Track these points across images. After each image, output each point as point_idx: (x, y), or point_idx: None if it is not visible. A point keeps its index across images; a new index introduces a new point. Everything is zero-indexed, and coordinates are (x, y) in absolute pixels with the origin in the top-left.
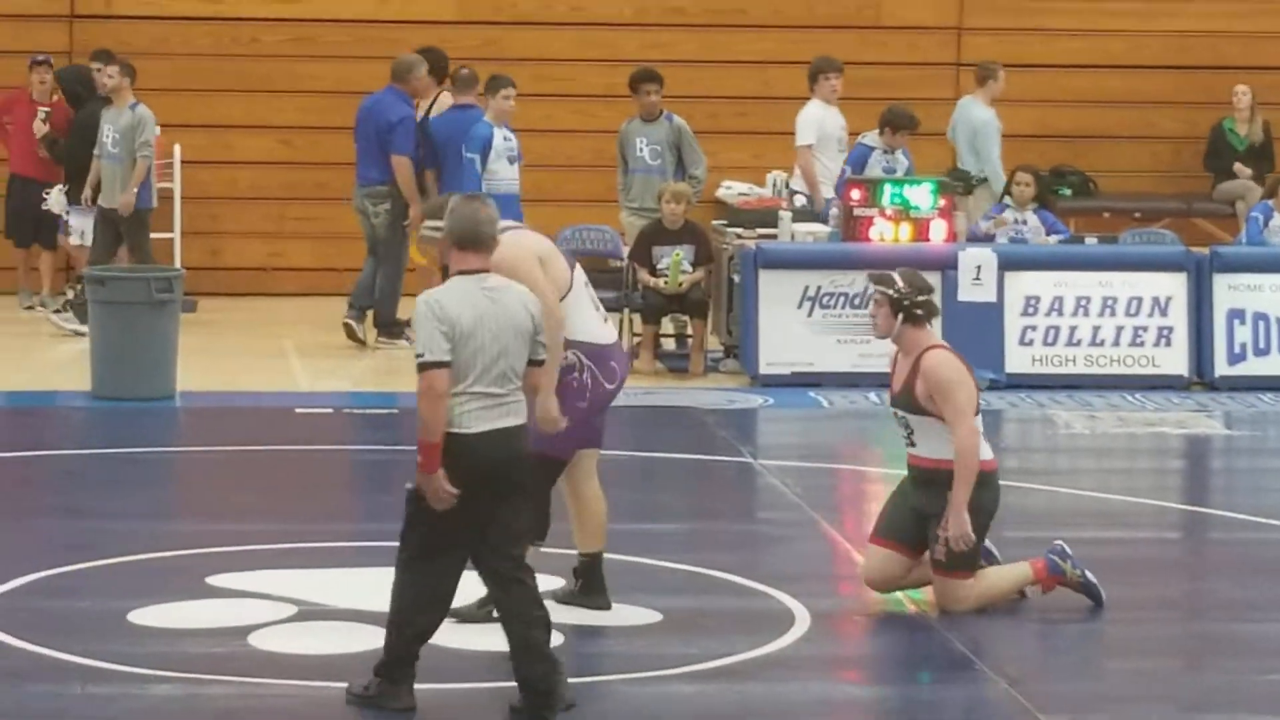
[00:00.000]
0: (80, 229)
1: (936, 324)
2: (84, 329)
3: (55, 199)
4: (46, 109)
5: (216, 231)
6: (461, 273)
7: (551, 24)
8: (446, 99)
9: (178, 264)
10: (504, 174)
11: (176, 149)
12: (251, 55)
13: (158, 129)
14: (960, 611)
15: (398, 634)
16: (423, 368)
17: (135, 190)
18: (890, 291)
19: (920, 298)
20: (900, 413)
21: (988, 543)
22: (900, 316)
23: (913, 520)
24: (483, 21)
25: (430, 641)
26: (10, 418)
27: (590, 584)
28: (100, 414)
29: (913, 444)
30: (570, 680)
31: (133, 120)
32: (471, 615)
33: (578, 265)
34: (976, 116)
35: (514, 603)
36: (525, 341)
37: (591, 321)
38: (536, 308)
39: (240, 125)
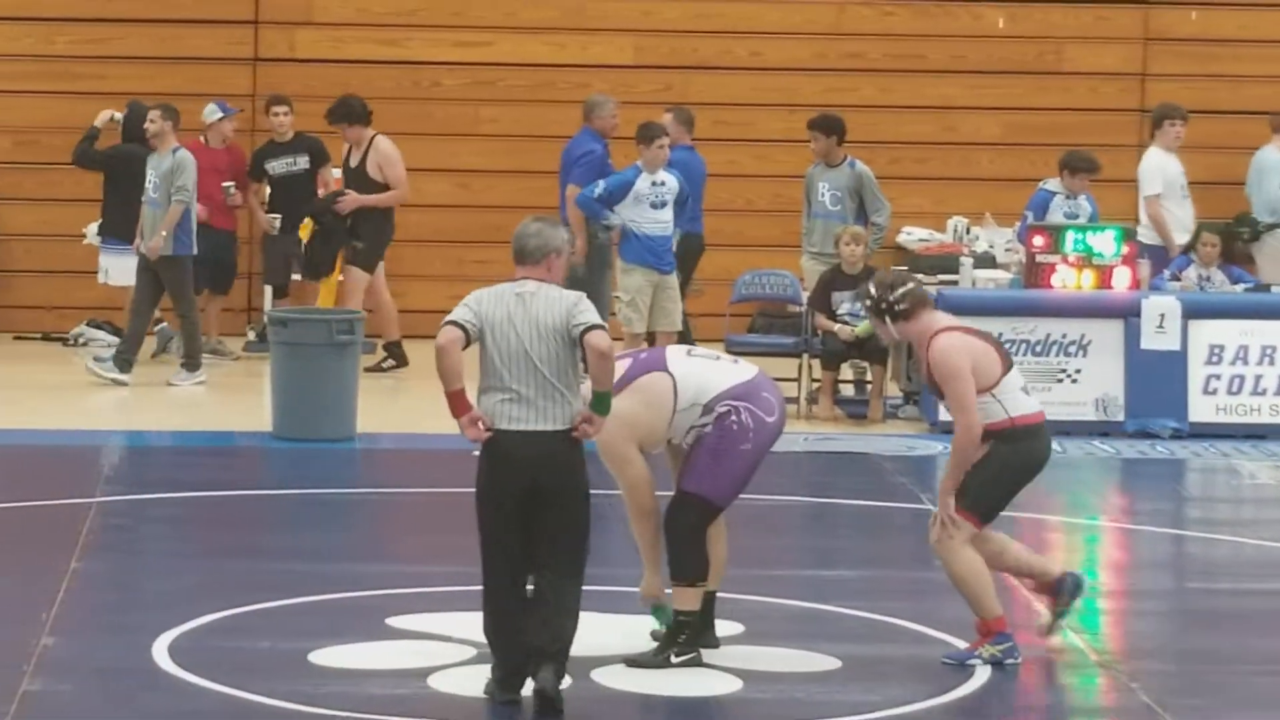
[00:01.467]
0: (105, 267)
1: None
2: (124, 379)
3: (91, 233)
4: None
5: (397, 274)
6: (510, 279)
7: (730, 68)
8: (381, 142)
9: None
10: (644, 218)
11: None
12: (432, 99)
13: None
14: (944, 555)
15: (485, 630)
16: (445, 323)
17: (164, 235)
18: (868, 303)
19: (894, 295)
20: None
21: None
22: (889, 320)
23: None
24: (661, 66)
25: (609, 687)
26: (191, 458)
27: (705, 621)
28: (280, 455)
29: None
30: None
31: (172, 165)
32: (649, 662)
33: (667, 352)
34: (1262, 160)
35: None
36: (555, 339)
37: (718, 372)
38: (565, 305)
39: (420, 168)
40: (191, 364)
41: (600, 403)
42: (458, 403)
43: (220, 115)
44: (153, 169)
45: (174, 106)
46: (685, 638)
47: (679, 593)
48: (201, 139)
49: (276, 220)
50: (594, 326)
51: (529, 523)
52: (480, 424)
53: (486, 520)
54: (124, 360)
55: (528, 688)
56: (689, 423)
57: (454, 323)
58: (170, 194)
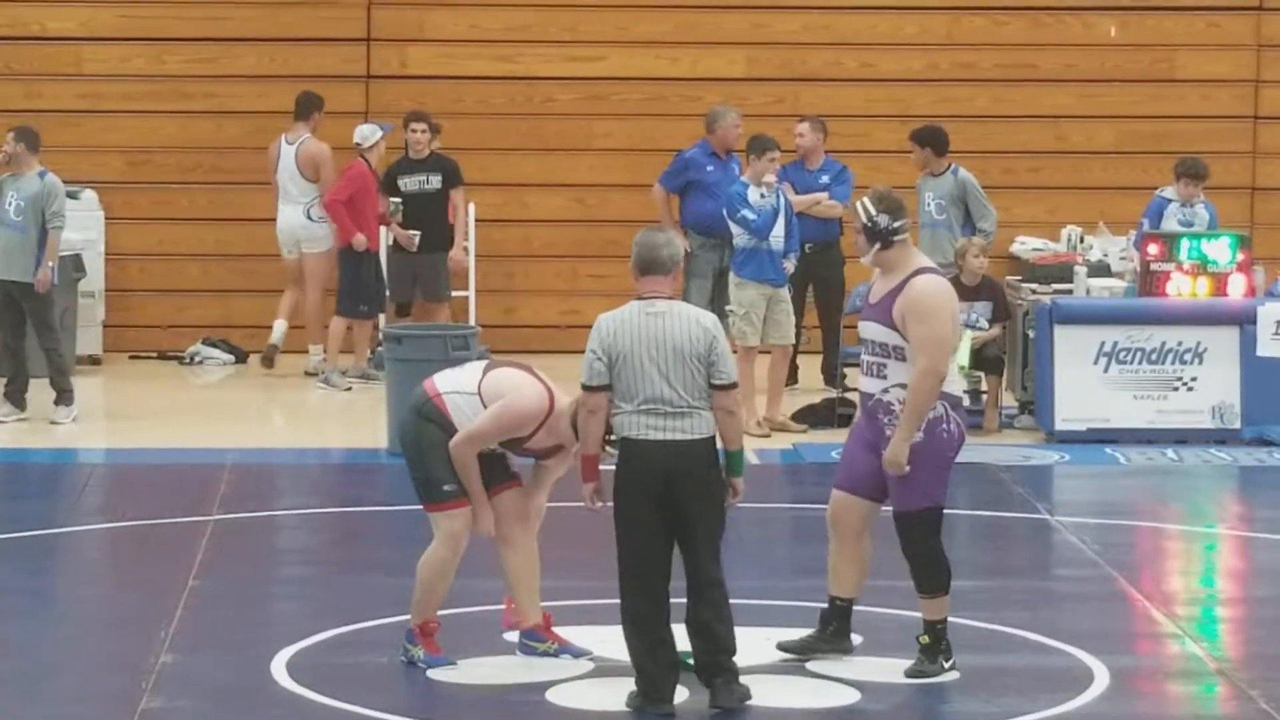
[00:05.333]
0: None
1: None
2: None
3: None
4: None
5: (511, 289)
6: (639, 296)
7: (842, 80)
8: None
9: (473, 321)
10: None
11: (471, 207)
12: (545, 114)
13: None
14: None
15: (625, 635)
16: (582, 388)
17: (51, 265)
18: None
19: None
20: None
21: None
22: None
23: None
24: (773, 78)
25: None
26: (307, 475)
27: (842, 629)
28: (396, 471)
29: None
30: None
31: (42, 189)
32: (927, 671)
33: None
34: None
35: (696, 611)
36: (689, 362)
37: (954, 374)
38: (703, 331)
39: (534, 183)
40: (69, 396)
41: (736, 462)
42: (590, 466)
43: (381, 135)
44: (13, 191)
45: (32, 129)
46: (946, 643)
47: (934, 604)
48: (361, 160)
49: (416, 236)
50: (732, 385)
51: (671, 526)
52: (598, 499)
53: (629, 525)
54: (17, 396)
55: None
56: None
57: (595, 388)
58: (40, 221)
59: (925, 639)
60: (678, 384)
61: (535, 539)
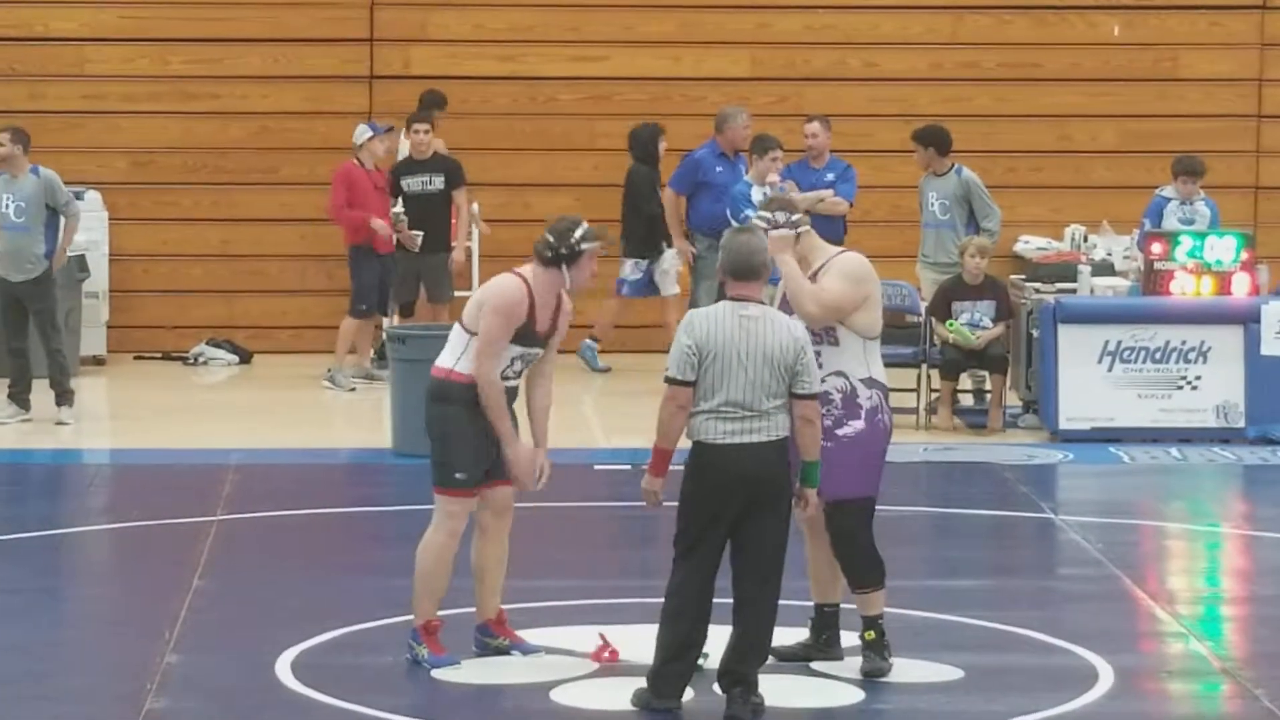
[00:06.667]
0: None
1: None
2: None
3: None
4: None
5: None
6: (730, 298)
7: (846, 79)
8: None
9: None
10: None
11: (475, 207)
12: (549, 114)
13: None
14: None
15: (660, 630)
16: (668, 381)
17: (66, 252)
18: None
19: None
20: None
21: None
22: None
23: None
24: (777, 78)
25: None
26: (312, 475)
27: (834, 636)
28: (401, 471)
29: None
30: None
31: (39, 186)
32: (876, 670)
33: None
34: None
35: (743, 616)
36: (776, 369)
37: (881, 363)
38: (793, 340)
39: (537, 183)
40: (69, 397)
41: (812, 473)
42: (662, 462)
43: (370, 135)
44: (9, 193)
45: (24, 130)
46: (886, 637)
47: (871, 599)
48: (354, 160)
49: (419, 237)
50: (813, 395)
51: (736, 531)
52: (658, 498)
53: (694, 528)
54: (21, 397)
55: (688, 695)
56: (860, 355)
57: (685, 383)
58: (43, 218)
59: (870, 635)
60: (761, 390)
61: (508, 536)
